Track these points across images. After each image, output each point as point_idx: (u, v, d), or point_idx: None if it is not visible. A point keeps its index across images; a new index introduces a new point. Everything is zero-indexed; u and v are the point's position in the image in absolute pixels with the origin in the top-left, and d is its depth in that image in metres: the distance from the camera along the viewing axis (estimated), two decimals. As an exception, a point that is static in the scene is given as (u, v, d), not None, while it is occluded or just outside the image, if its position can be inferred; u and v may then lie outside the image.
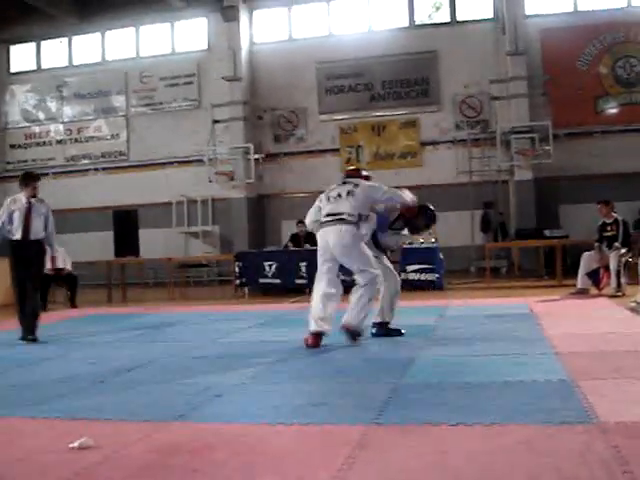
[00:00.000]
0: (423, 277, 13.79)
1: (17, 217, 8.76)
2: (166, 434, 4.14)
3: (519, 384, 4.94)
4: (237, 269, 14.86)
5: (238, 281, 14.90)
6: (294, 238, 15.45)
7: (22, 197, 8.86)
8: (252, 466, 3.50)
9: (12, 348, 8.24)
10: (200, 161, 20.08)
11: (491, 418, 4.03)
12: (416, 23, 20.13)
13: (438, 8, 20.25)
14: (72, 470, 3.54)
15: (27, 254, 8.80)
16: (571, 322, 8.24)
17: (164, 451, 3.79)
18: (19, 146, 23.07)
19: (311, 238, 15.21)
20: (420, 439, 3.79)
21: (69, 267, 14.30)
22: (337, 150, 20.30)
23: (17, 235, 8.77)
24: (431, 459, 3.45)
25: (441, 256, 14.06)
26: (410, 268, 13.90)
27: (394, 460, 3.48)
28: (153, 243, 20.72)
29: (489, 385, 4.96)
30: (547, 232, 16.43)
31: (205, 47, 21.38)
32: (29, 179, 9.01)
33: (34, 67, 23.19)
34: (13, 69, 23.40)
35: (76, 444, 3.89)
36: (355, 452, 3.59)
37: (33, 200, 8.86)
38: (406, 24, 20.12)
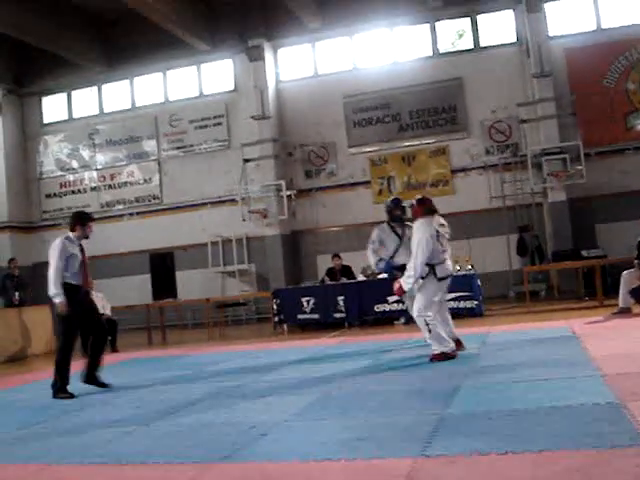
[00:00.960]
0: (462, 305, 13.68)
1: (76, 261, 8.35)
2: (214, 475, 4.16)
3: (566, 409, 4.88)
4: (275, 306, 14.89)
5: (277, 318, 14.91)
6: (330, 272, 15.45)
7: (74, 238, 8.48)
8: (302, 504, 3.49)
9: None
10: (233, 200, 20.21)
11: (540, 445, 3.99)
12: (440, 52, 20.18)
13: (461, 35, 20.32)
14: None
15: (87, 300, 8.59)
16: (616, 342, 8.14)
17: (213, 493, 3.80)
18: (54, 195, 23.38)
19: (347, 271, 15.27)
20: (469, 469, 3.76)
21: (108, 312, 14.38)
22: (368, 182, 20.31)
23: (77, 280, 8.38)
24: (482, 489, 3.42)
25: (479, 282, 13.96)
26: (449, 296, 13.76)
27: (444, 492, 3.46)
28: (190, 284, 20.85)
29: (536, 411, 4.90)
30: (584, 252, 16.27)
31: (232, 87, 21.59)
32: (86, 218, 8.71)
33: (66, 117, 23.57)
34: (46, 120, 23.79)
35: (125, 489, 3.92)
36: (405, 485, 3.57)
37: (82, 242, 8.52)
38: (430, 53, 20.17)
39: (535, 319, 12.07)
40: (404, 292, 8.58)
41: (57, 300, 8.26)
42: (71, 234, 8.54)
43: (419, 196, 9.14)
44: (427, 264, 8.31)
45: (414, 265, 8.24)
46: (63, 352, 8.24)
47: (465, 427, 4.66)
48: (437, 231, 8.46)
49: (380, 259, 9.88)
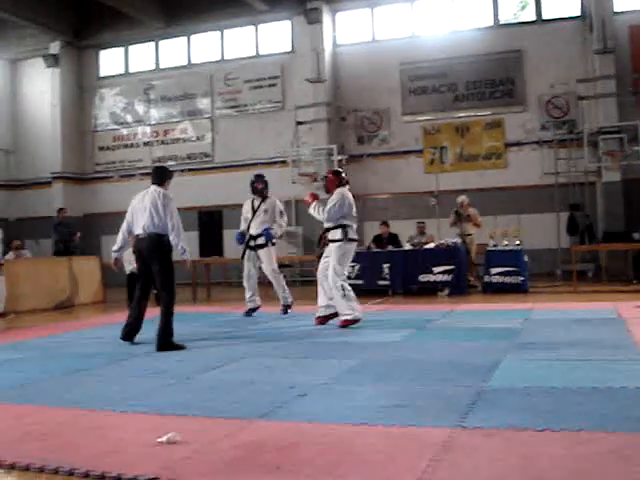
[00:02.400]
0: (507, 280, 13.60)
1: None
2: (251, 432, 4.20)
3: (608, 390, 4.83)
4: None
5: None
6: (377, 239, 15.43)
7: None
8: (337, 465, 3.51)
9: (102, 345, 8.44)
10: (284, 162, 20.21)
11: (579, 425, 3.96)
12: (501, 22, 19.87)
13: (524, 7, 19.96)
14: (161, 464, 3.62)
15: None
16: (662, 327, 8.03)
17: (250, 448, 3.85)
18: (107, 148, 23.64)
19: (394, 239, 15.24)
20: (505, 443, 3.75)
21: (156, 267, 14.53)
22: (420, 151, 20.19)
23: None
24: (517, 463, 3.42)
25: (526, 259, 13.85)
26: (494, 271, 13.75)
27: (479, 463, 3.46)
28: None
29: (576, 391, 4.86)
30: (636, 235, 16.00)
31: (289, 49, 21.54)
32: (172, 174, 9.16)
33: (122, 71, 23.77)
34: (102, 73, 24.03)
35: (164, 439, 3.99)
36: (440, 454, 3.58)
37: None
38: (491, 23, 19.88)
39: (581, 299, 11.93)
40: (315, 198, 9.63)
41: (187, 256, 8.43)
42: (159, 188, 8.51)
43: (335, 169, 10.28)
44: (340, 225, 9.25)
45: (327, 209, 9.26)
46: (173, 305, 8.34)
47: (503, 402, 4.65)
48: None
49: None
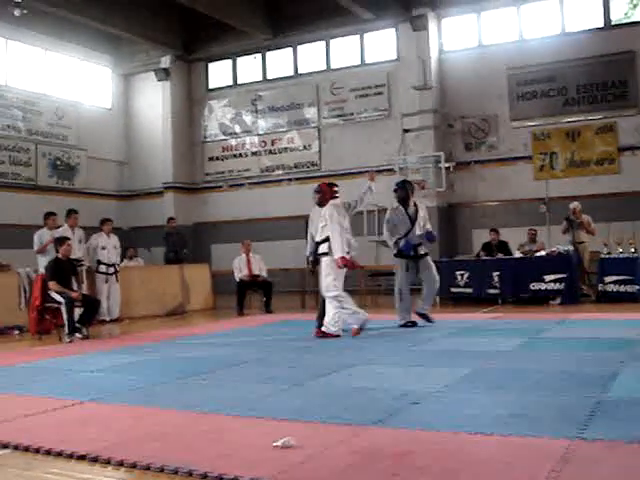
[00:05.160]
0: (622, 289, 13.21)
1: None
2: (366, 438, 4.20)
3: None
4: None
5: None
6: (486, 247, 15.24)
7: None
8: (455, 473, 3.49)
9: (215, 350, 8.62)
10: (391, 170, 20.14)
11: None
12: (612, 23, 19.31)
13: (635, 5, 19.32)
14: (277, 468, 3.66)
15: None
16: None
17: (365, 454, 3.85)
18: (216, 158, 24.08)
19: (503, 247, 15.02)
20: (629, 456, 3.64)
21: (264, 274, 14.78)
22: (530, 157, 19.80)
23: None
24: (642, 477, 3.31)
25: (643, 267, 13.43)
26: (608, 279, 13.37)
27: (601, 476, 3.36)
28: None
29: (701, 403, 4.68)
30: None
31: (394, 57, 21.49)
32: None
33: (230, 83, 24.20)
34: (211, 85, 24.54)
35: (279, 443, 4.03)
36: (559, 466, 3.49)
37: None
38: (601, 24, 19.34)
39: (702, 308, 11.50)
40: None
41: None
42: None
43: (329, 182, 10.33)
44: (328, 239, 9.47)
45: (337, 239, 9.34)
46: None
47: (624, 414, 4.51)
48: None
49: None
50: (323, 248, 9.58)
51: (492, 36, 20.54)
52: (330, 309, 9.51)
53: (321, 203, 9.79)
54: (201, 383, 6.35)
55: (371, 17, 20.71)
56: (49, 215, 13.53)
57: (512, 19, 20.27)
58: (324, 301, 9.78)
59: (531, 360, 6.88)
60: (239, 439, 4.29)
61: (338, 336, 9.39)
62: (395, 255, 10.79)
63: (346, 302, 9.41)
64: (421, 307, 10.70)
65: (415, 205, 10.64)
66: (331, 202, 9.65)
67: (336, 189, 9.80)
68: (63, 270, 10.95)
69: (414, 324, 10.40)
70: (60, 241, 11.34)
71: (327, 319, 9.56)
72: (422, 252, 10.74)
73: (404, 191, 10.66)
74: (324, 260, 9.55)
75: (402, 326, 10.37)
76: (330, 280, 9.43)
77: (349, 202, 10.04)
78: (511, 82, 19.96)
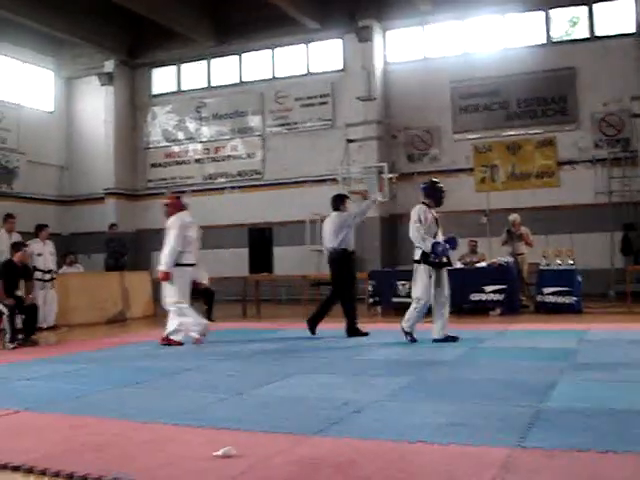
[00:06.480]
0: (560, 300, 13.41)
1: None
2: (307, 448, 4.18)
3: (669, 413, 4.72)
4: (370, 288, 14.85)
5: (371, 299, 14.88)
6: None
7: None
8: (396, 484, 3.48)
9: (154, 358, 8.52)
10: (334, 180, 20.16)
11: (642, 447, 3.87)
12: (553, 40, 19.70)
13: (575, 23, 19.75)
14: (218, 477, 3.64)
15: None
16: None
17: (307, 464, 3.83)
18: (159, 165, 23.90)
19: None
20: (568, 464, 3.68)
21: (206, 282, 14.65)
22: (471, 170, 20.05)
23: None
24: (582, 485, 3.35)
25: (579, 278, 13.65)
26: (547, 290, 13.57)
27: (542, 484, 3.40)
28: (286, 260, 21.01)
29: (637, 413, 4.76)
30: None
31: (340, 67, 21.59)
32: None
33: (175, 89, 24.06)
34: (155, 91, 24.36)
35: (220, 452, 4.00)
36: (501, 474, 3.52)
37: None
38: (543, 41, 19.72)
39: (636, 320, 11.69)
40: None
41: None
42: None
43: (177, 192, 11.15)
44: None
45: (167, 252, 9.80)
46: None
47: (562, 422, 4.56)
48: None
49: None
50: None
51: (436, 49, 20.75)
52: (172, 316, 9.90)
53: (168, 215, 10.18)
54: (141, 392, 6.27)
55: (317, 27, 20.81)
56: (7, 217, 13.58)
57: (456, 33, 20.51)
58: (324, 301, 10.64)
59: (471, 369, 6.93)
60: (179, 449, 4.23)
61: (181, 344, 9.80)
62: (417, 261, 9.69)
63: (188, 312, 9.92)
64: (437, 332, 9.60)
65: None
66: (178, 214, 10.04)
67: (184, 201, 10.42)
68: (14, 274, 10.93)
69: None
70: (16, 247, 11.37)
71: (169, 327, 9.94)
72: (445, 260, 9.86)
73: (438, 192, 9.83)
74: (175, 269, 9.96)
75: (411, 339, 9.50)
76: (169, 290, 9.92)
77: (354, 214, 10.61)
78: (454, 95, 20.19)
